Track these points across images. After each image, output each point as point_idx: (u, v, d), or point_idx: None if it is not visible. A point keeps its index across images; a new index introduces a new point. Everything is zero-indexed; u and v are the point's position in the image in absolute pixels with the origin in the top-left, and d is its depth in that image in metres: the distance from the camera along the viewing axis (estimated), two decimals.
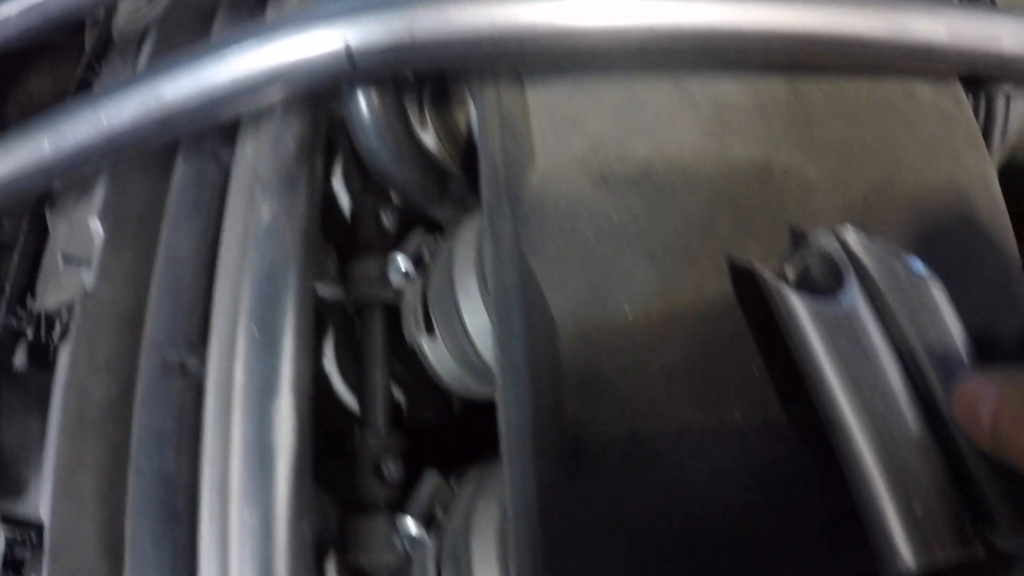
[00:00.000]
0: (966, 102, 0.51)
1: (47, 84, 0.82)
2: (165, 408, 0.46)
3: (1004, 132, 0.56)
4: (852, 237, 0.38)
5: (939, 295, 0.37)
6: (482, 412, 0.46)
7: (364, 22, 0.37)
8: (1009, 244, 0.47)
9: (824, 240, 0.38)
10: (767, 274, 0.37)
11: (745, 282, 0.38)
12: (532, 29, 0.37)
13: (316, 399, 0.43)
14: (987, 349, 0.38)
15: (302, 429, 0.40)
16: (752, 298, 0.38)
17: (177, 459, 0.45)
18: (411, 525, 0.42)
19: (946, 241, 0.45)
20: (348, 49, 0.37)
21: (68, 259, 0.54)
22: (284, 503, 0.39)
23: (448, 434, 0.54)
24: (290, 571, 0.38)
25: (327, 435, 0.48)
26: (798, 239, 0.40)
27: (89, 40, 0.77)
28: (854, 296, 0.36)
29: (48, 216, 0.65)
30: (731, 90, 0.45)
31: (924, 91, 0.49)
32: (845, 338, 0.35)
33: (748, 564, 0.35)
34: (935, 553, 0.33)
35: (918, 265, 0.39)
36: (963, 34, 0.45)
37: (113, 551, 0.48)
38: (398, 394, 0.53)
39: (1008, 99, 0.55)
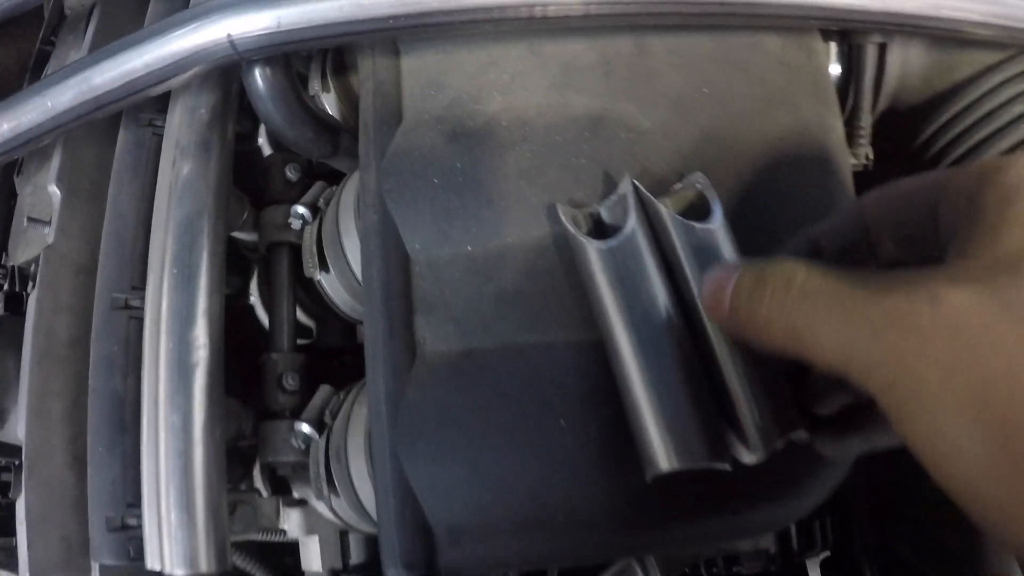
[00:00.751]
0: (819, 52, 0.64)
1: (11, 54, 1.01)
2: (114, 339, 0.64)
3: (879, 80, 0.69)
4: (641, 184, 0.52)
5: (721, 233, 0.50)
6: None
7: (241, 16, 0.53)
8: (844, 185, 0.61)
9: (623, 186, 0.53)
10: (564, 215, 0.52)
11: (556, 224, 0.54)
12: (370, 16, 0.53)
13: (240, 326, 0.61)
14: None
15: (214, 349, 0.58)
16: (562, 237, 0.54)
17: (124, 381, 0.64)
18: (305, 428, 0.60)
19: (774, 181, 0.59)
20: (230, 38, 0.54)
21: (32, 220, 0.73)
22: (200, 407, 0.57)
23: (350, 355, 0.72)
24: (205, 462, 0.57)
25: (251, 355, 0.67)
26: (608, 182, 0.55)
27: (47, 12, 0.95)
28: (633, 233, 0.50)
29: (16, 182, 0.85)
30: (580, 50, 0.60)
31: (772, 43, 0.62)
32: (621, 270, 0.49)
33: (549, 459, 0.51)
34: (686, 459, 0.46)
35: (715, 205, 0.52)
36: None
37: (79, 462, 0.68)
38: (309, 322, 0.71)
39: (883, 48, 0.68)
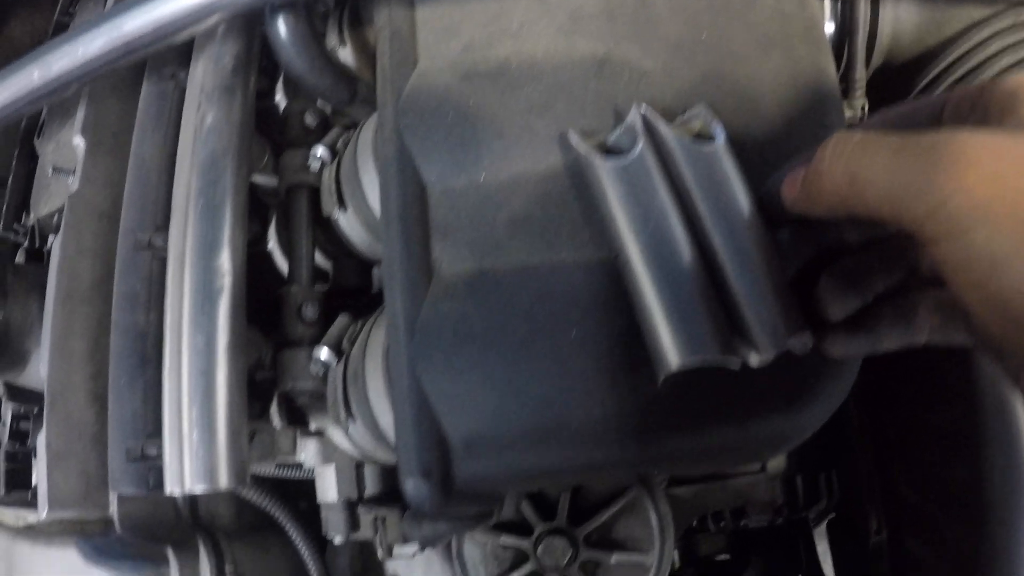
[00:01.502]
0: (812, 3, 0.71)
1: (27, 29, 1.09)
2: (137, 277, 0.71)
3: (871, 34, 0.76)
4: (651, 112, 0.59)
5: (724, 154, 0.58)
6: None
7: None
8: (837, 118, 0.67)
9: (631, 115, 0.60)
10: (575, 140, 0.59)
11: (568, 150, 0.61)
12: None
13: (260, 272, 0.67)
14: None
15: (237, 277, 0.65)
16: (574, 162, 0.60)
17: (147, 315, 0.70)
18: (324, 353, 0.66)
19: (769, 118, 0.66)
20: None
21: (57, 170, 0.80)
22: (224, 330, 0.63)
23: (366, 295, 0.79)
24: (228, 382, 0.63)
25: (271, 298, 0.73)
26: (617, 117, 0.62)
27: None
28: (642, 154, 0.57)
29: (37, 144, 0.93)
30: None
31: None
32: (633, 185, 0.56)
33: (561, 371, 0.57)
34: (696, 353, 0.52)
35: (718, 129, 0.59)
36: None
37: (99, 399, 0.74)
38: (326, 265, 0.77)
39: (875, 4, 0.76)
